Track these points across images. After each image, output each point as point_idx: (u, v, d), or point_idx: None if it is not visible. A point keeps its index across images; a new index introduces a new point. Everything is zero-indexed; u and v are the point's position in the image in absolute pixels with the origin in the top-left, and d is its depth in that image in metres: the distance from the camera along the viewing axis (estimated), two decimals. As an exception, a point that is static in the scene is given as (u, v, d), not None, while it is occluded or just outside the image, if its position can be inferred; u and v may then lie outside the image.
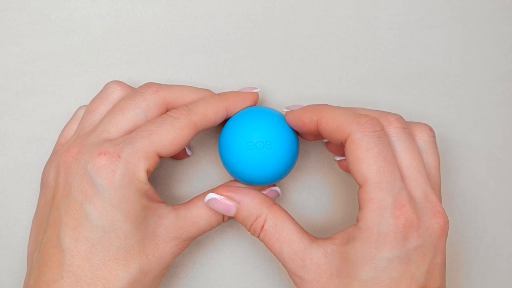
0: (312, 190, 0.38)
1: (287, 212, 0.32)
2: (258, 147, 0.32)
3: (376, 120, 0.29)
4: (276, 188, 0.35)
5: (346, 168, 0.35)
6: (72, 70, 0.38)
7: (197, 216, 0.32)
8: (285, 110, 0.34)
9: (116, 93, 0.34)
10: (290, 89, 0.38)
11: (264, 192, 0.34)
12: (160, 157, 0.31)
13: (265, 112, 0.33)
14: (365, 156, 0.28)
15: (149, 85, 0.33)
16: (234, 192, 0.32)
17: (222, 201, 0.32)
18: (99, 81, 0.36)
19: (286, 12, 0.38)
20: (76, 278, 0.29)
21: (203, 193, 0.34)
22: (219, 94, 0.34)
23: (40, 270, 0.30)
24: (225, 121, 0.34)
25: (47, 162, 0.33)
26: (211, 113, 0.32)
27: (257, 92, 0.35)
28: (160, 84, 0.33)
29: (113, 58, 0.38)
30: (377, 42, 0.39)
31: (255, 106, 0.35)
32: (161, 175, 0.38)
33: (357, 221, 0.29)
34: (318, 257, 0.30)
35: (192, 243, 0.37)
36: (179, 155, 0.37)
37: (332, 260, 0.29)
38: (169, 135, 0.31)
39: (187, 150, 0.37)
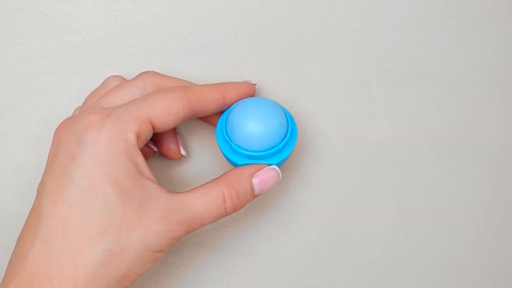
0: (312, 190, 0.38)
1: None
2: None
3: None
4: (275, 167, 0.33)
5: None
6: (72, 70, 0.38)
7: (194, 201, 0.30)
8: None
9: (115, 84, 0.34)
10: (290, 89, 0.38)
11: (264, 171, 0.33)
12: (154, 129, 0.30)
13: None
14: None
15: (148, 71, 0.33)
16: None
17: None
18: (99, 81, 0.36)
19: (286, 12, 0.38)
20: (47, 245, 0.27)
21: (202, 184, 0.32)
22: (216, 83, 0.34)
23: (17, 243, 0.29)
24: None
25: None
26: (207, 94, 0.32)
27: (254, 84, 0.35)
28: (159, 73, 0.34)
29: (113, 58, 0.38)
30: (377, 42, 0.39)
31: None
32: (161, 175, 0.38)
33: None
34: None
35: (192, 243, 0.37)
36: (174, 154, 0.36)
37: None
38: (162, 103, 0.30)
39: (181, 150, 0.36)
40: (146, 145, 0.36)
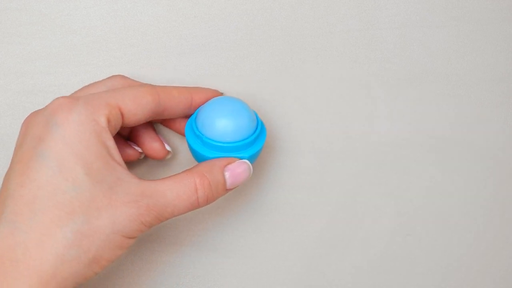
0: (311, 190, 0.38)
1: None
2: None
3: None
4: (247, 161, 0.33)
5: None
6: (72, 70, 0.38)
7: (166, 188, 0.29)
8: None
9: None
10: (290, 89, 0.38)
11: (235, 165, 0.32)
12: (123, 118, 0.30)
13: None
14: None
15: (117, 74, 0.34)
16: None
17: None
18: (99, 81, 0.36)
19: (286, 12, 0.38)
20: (12, 227, 0.26)
21: (174, 174, 0.31)
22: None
23: None
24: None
25: None
26: (175, 92, 0.33)
27: (221, 93, 0.36)
28: (127, 77, 0.35)
29: (113, 58, 0.38)
30: (377, 42, 0.39)
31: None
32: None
33: None
34: None
35: (192, 243, 0.37)
36: (159, 153, 0.36)
37: None
38: (132, 93, 0.30)
39: (166, 146, 0.36)
40: (131, 147, 0.36)
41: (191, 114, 0.34)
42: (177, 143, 0.38)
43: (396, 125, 0.39)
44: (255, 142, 0.33)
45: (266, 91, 0.38)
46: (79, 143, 0.28)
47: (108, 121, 0.29)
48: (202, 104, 0.34)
